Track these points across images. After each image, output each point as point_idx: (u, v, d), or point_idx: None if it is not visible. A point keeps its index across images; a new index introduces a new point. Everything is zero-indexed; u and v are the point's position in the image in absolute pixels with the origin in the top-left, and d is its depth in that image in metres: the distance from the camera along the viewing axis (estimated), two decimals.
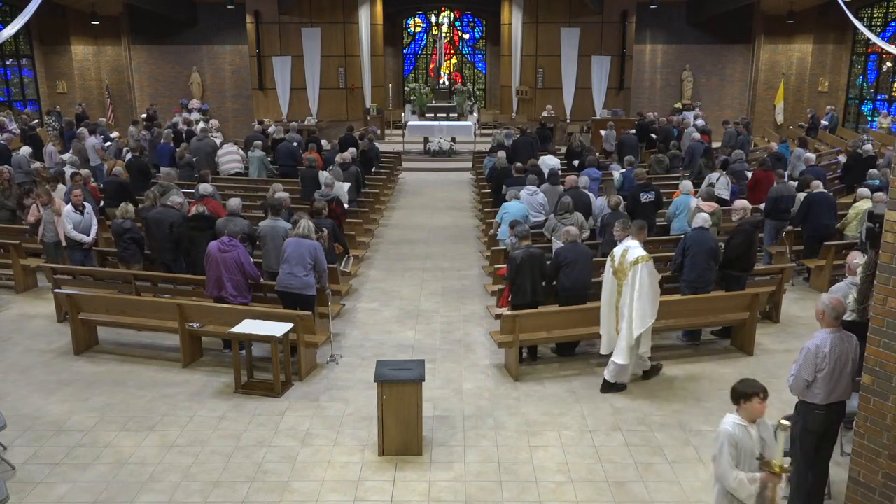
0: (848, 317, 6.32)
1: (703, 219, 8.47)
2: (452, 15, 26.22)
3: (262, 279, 8.47)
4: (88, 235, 9.84)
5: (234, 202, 9.21)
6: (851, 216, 10.44)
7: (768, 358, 8.30)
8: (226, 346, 8.37)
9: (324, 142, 17.07)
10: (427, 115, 22.30)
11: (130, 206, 9.59)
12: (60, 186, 11.43)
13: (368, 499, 5.71)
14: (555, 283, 8.21)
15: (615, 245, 8.33)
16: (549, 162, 14.16)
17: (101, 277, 9.46)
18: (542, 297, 8.08)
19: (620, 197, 10.23)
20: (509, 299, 8.18)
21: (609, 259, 7.47)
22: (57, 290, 9.00)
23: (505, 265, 8.56)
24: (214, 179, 13.47)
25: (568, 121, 23.31)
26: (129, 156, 14.04)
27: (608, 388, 7.47)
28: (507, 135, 16.96)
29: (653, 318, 7.20)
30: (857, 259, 6.50)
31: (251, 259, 8.39)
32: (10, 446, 6.37)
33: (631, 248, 7.30)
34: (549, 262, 8.17)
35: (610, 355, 7.42)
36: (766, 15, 23.35)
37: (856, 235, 9.99)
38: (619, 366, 7.31)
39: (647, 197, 10.84)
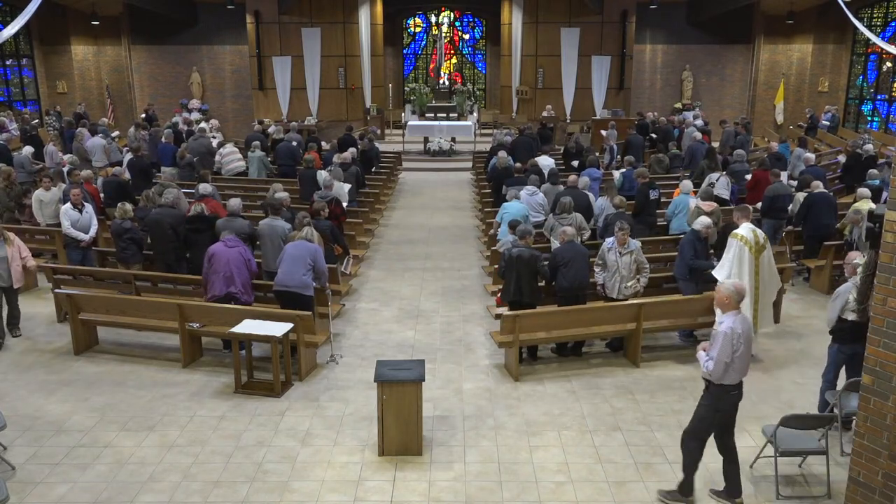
0: (847, 317, 6.35)
1: (702, 222, 8.48)
2: (452, 15, 26.22)
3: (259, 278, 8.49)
4: (87, 234, 9.83)
5: (234, 202, 9.21)
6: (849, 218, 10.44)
7: (768, 357, 8.29)
8: (226, 346, 8.37)
9: (323, 142, 17.06)
10: (427, 115, 22.29)
11: (129, 206, 9.58)
12: (60, 184, 11.43)
13: (368, 499, 5.71)
14: (553, 282, 8.23)
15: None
16: (543, 162, 14.15)
17: (101, 277, 9.46)
18: (530, 297, 7.96)
19: (623, 197, 10.26)
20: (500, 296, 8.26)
21: (742, 243, 7.79)
22: (57, 290, 9.01)
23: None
24: (215, 179, 13.48)
25: (568, 121, 23.32)
26: (128, 156, 14.04)
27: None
28: (506, 134, 16.94)
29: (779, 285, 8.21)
30: (856, 259, 6.51)
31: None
32: (10, 446, 6.37)
33: (754, 228, 7.95)
34: (545, 263, 8.18)
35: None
36: (766, 15, 23.35)
37: (848, 237, 10.03)
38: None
39: (654, 194, 10.93)
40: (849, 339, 6.41)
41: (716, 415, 5.38)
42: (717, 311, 5.52)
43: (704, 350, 5.38)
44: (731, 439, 5.52)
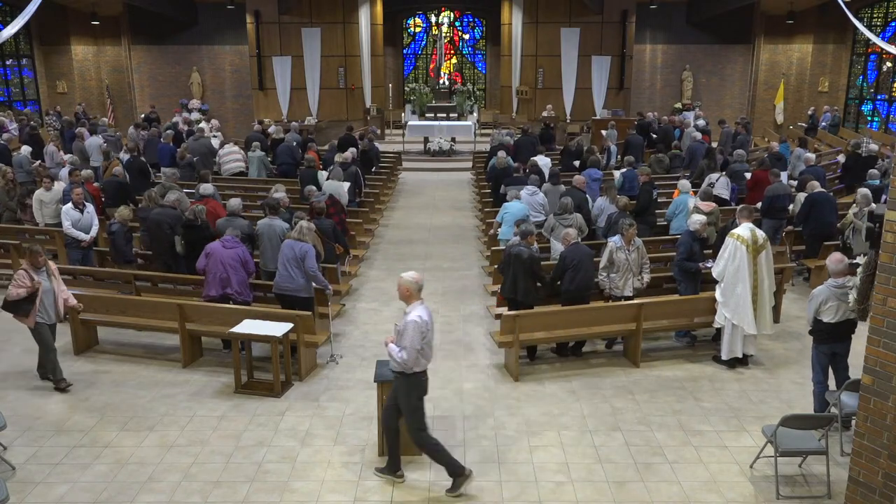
0: (847, 317, 6.36)
1: (696, 220, 8.51)
2: (452, 15, 26.22)
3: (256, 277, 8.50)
4: (88, 234, 9.83)
5: (235, 202, 9.21)
6: (851, 217, 10.43)
7: (768, 357, 8.30)
8: (226, 346, 8.37)
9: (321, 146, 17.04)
10: (427, 115, 22.30)
11: (126, 210, 9.57)
12: (60, 183, 11.43)
13: (368, 499, 5.71)
14: (559, 283, 8.23)
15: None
16: (539, 162, 14.13)
17: (101, 277, 9.47)
18: (524, 297, 7.95)
19: (628, 198, 10.27)
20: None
21: (738, 242, 7.76)
22: None
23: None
24: (215, 179, 13.47)
25: (568, 121, 23.32)
26: (127, 156, 14.05)
27: (745, 361, 8.07)
28: (507, 134, 16.95)
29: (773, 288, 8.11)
30: (850, 261, 6.54)
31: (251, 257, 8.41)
32: (10, 446, 6.37)
33: (754, 228, 7.90)
34: (543, 264, 8.21)
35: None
36: (766, 15, 23.36)
37: (848, 236, 10.02)
38: (753, 336, 7.90)
39: (655, 193, 10.95)
40: (826, 339, 6.51)
41: (419, 402, 5.68)
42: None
43: (393, 343, 5.60)
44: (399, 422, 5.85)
